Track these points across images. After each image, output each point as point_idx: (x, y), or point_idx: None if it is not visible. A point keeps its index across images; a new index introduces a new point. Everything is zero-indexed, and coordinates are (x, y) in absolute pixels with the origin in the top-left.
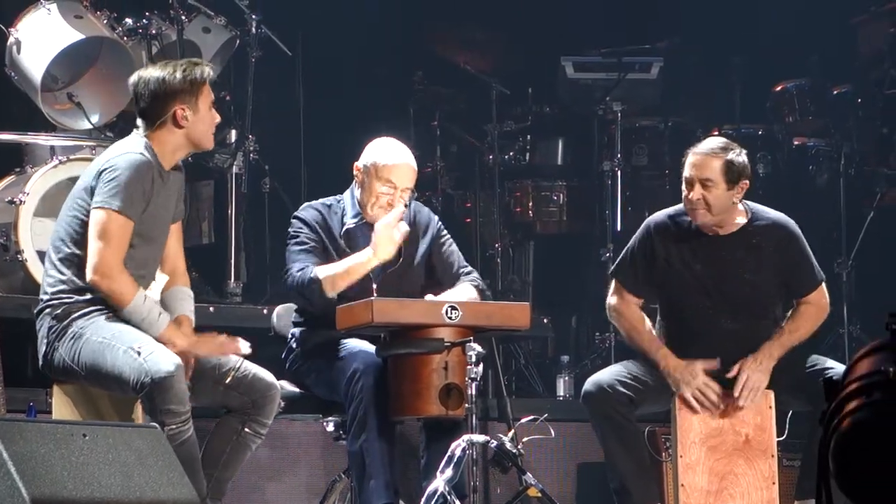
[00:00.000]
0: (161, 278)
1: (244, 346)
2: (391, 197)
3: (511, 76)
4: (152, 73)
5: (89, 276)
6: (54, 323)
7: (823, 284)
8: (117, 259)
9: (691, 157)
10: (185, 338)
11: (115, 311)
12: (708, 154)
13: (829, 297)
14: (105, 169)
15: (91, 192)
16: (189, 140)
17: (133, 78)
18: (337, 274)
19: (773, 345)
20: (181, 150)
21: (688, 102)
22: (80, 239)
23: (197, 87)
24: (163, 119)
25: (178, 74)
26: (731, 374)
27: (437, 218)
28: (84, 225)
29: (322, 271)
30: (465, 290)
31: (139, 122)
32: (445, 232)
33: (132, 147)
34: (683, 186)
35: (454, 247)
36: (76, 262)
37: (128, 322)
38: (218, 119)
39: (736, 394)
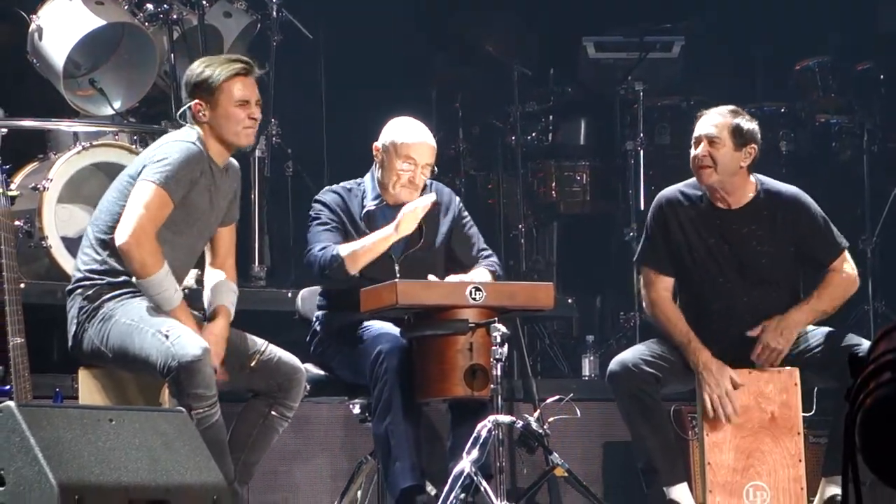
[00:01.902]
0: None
1: (219, 376)
2: (412, 173)
3: (533, 57)
4: (192, 66)
5: (121, 238)
6: (85, 303)
7: (847, 253)
8: (151, 228)
9: (701, 119)
10: (191, 321)
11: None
12: (717, 114)
13: (855, 267)
14: (156, 153)
15: (137, 177)
16: (217, 136)
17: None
18: (358, 251)
19: (800, 310)
20: (217, 148)
21: (709, 81)
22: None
23: (213, 82)
24: (190, 115)
25: (200, 70)
26: (752, 333)
27: (458, 199)
28: (124, 208)
29: (344, 249)
30: (479, 275)
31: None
32: (466, 213)
33: (185, 136)
34: (692, 147)
35: (474, 228)
36: (112, 245)
37: (143, 293)
38: (255, 117)
39: (753, 356)
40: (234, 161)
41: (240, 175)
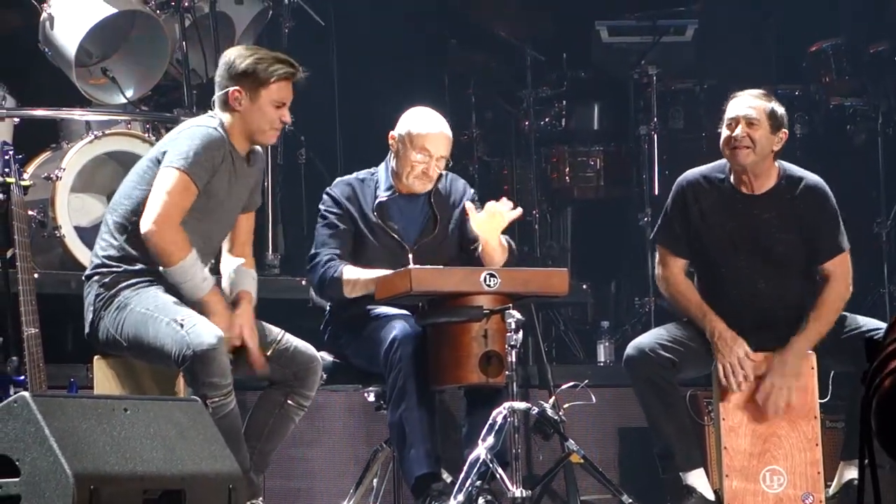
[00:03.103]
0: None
1: (260, 364)
2: (426, 165)
3: (545, 42)
4: (231, 53)
5: (146, 225)
6: (101, 291)
7: (847, 255)
8: (176, 215)
9: (735, 100)
10: (224, 308)
11: (159, 278)
12: (753, 96)
13: (851, 272)
14: (178, 138)
15: (158, 162)
16: (244, 128)
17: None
18: (360, 282)
19: (800, 339)
20: (240, 138)
21: (723, 64)
22: (138, 207)
23: (262, 77)
24: (222, 98)
25: (250, 60)
26: (759, 374)
27: (472, 190)
28: (145, 193)
29: (347, 272)
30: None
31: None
32: (478, 202)
33: (205, 122)
34: (724, 129)
35: None
36: (131, 231)
37: (170, 283)
38: (286, 121)
39: (759, 400)
40: (258, 148)
41: (264, 162)
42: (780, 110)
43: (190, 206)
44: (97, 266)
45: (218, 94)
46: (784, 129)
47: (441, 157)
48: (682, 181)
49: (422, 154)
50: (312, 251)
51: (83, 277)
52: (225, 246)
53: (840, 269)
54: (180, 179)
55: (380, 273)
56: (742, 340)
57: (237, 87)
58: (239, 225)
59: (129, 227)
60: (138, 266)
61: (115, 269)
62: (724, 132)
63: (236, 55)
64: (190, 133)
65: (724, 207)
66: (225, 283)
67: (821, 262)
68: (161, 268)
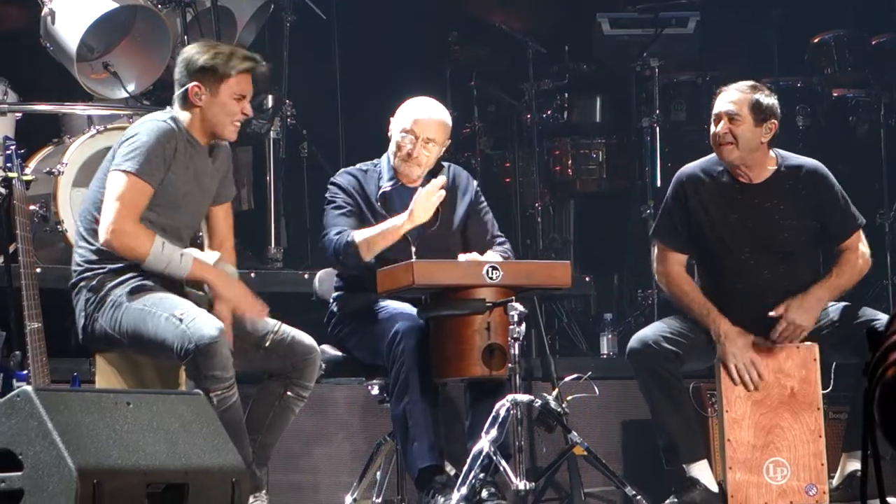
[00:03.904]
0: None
1: (263, 313)
2: (411, 147)
3: (547, 34)
4: (190, 50)
5: (102, 237)
6: (91, 295)
7: (862, 232)
8: (129, 218)
9: (720, 95)
10: (212, 271)
11: (145, 272)
12: (737, 90)
13: (869, 247)
14: (127, 137)
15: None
16: (204, 123)
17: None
18: (372, 237)
19: (821, 287)
20: (201, 133)
21: (725, 56)
22: None
23: (221, 72)
24: (182, 94)
25: (208, 55)
26: (776, 313)
27: (475, 183)
28: None
29: (359, 235)
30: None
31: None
32: (483, 199)
33: (155, 116)
34: (711, 124)
35: (490, 214)
36: None
37: (154, 273)
38: (247, 113)
39: (774, 335)
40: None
41: (230, 152)
42: (767, 101)
43: (146, 204)
44: (80, 273)
45: (178, 91)
46: (773, 120)
47: (428, 140)
48: (681, 175)
49: (406, 134)
50: (322, 234)
51: (69, 286)
52: (206, 241)
53: (860, 243)
54: (129, 182)
55: (388, 223)
56: (750, 337)
57: (196, 83)
58: (216, 218)
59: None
60: (121, 263)
61: (99, 272)
62: (711, 127)
63: (195, 51)
64: (134, 130)
65: (724, 199)
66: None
67: (839, 241)
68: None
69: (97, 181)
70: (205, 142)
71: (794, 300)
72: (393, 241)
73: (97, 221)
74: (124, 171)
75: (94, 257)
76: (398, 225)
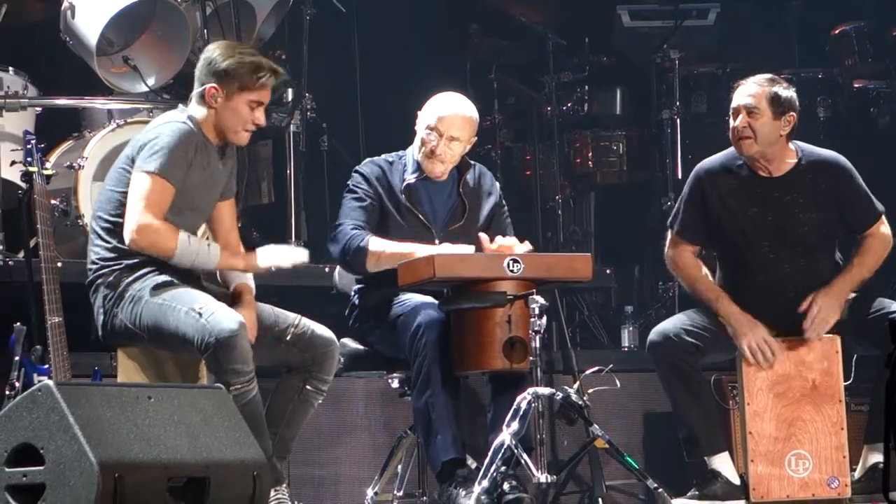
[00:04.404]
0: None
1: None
2: (436, 144)
3: (567, 26)
4: (213, 50)
5: (127, 237)
6: (109, 291)
7: (884, 216)
8: (154, 216)
9: (738, 88)
10: (242, 259)
11: (165, 267)
12: (755, 84)
13: (890, 230)
14: (148, 138)
15: (132, 161)
16: (217, 125)
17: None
18: (385, 253)
19: (844, 279)
20: (213, 133)
21: (745, 48)
22: (123, 208)
23: (241, 79)
24: (199, 93)
25: (232, 60)
26: (802, 308)
27: (499, 186)
28: (125, 195)
29: (374, 244)
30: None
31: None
32: (505, 204)
33: (175, 117)
34: (731, 118)
35: (509, 218)
36: (120, 231)
37: (171, 268)
38: (259, 123)
39: (806, 325)
40: None
41: (235, 151)
42: (786, 94)
43: (170, 203)
44: (96, 270)
45: (196, 89)
46: (792, 113)
47: (453, 139)
48: (700, 170)
49: (431, 131)
50: (337, 222)
51: (86, 284)
52: (209, 236)
53: (880, 230)
54: (153, 182)
55: (406, 247)
56: (758, 322)
57: (214, 85)
58: (221, 213)
59: (115, 228)
60: (137, 259)
61: (115, 268)
62: (730, 121)
63: (218, 52)
64: (158, 131)
65: (744, 193)
66: (218, 274)
67: (860, 231)
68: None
69: (111, 179)
70: (217, 142)
71: (818, 294)
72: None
73: (113, 219)
74: (148, 171)
75: (109, 254)
76: (413, 254)
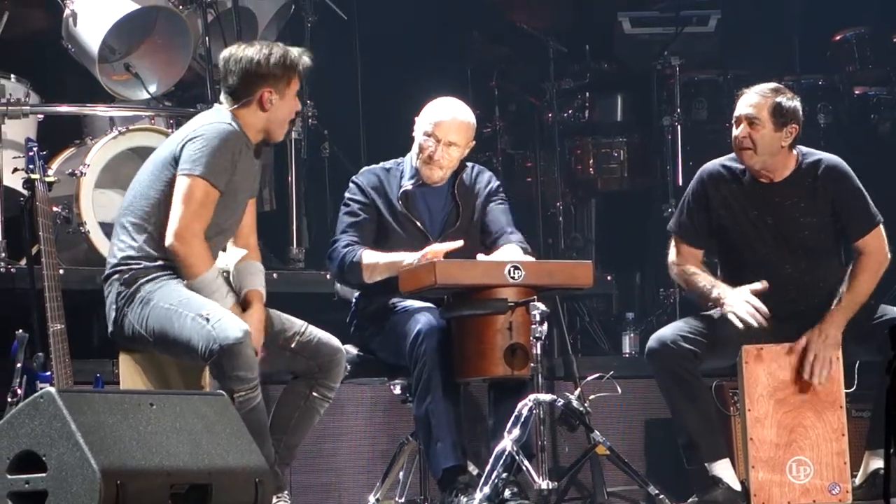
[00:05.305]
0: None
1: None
2: (433, 150)
3: (568, 33)
4: (246, 51)
5: (169, 239)
6: (122, 289)
7: (881, 227)
8: (199, 226)
9: (741, 97)
10: (245, 318)
11: (179, 272)
12: (757, 94)
13: (887, 242)
14: (192, 138)
15: (175, 161)
16: (267, 125)
17: (224, 54)
18: (380, 264)
19: (837, 312)
20: (257, 133)
21: (746, 54)
22: (156, 208)
23: (289, 72)
24: (248, 99)
25: (273, 58)
26: (797, 349)
27: (497, 182)
28: (162, 193)
29: (367, 257)
30: (510, 250)
31: (223, 97)
32: (502, 194)
33: (220, 118)
34: (733, 126)
35: (505, 205)
36: (149, 231)
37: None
38: (298, 108)
39: (806, 375)
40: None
41: (269, 150)
42: (789, 104)
43: (213, 208)
44: (115, 265)
45: (244, 97)
46: (794, 124)
47: (450, 144)
48: (703, 172)
49: (428, 137)
50: (333, 238)
51: (101, 278)
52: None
53: (875, 242)
54: (200, 187)
55: (398, 256)
56: (745, 287)
57: (268, 87)
58: (244, 213)
59: (147, 227)
60: (158, 262)
61: (133, 267)
62: (733, 130)
63: (253, 53)
64: (203, 132)
65: (745, 196)
66: (232, 278)
67: (855, 238)
68: (185, 280)
69: (148, 174)
70: (256, 142)
71: (812, 333)
72: (396, 273)
73: (145, 217)
74: (194, 174)
75: (133, 253)
76: (407, 262)
